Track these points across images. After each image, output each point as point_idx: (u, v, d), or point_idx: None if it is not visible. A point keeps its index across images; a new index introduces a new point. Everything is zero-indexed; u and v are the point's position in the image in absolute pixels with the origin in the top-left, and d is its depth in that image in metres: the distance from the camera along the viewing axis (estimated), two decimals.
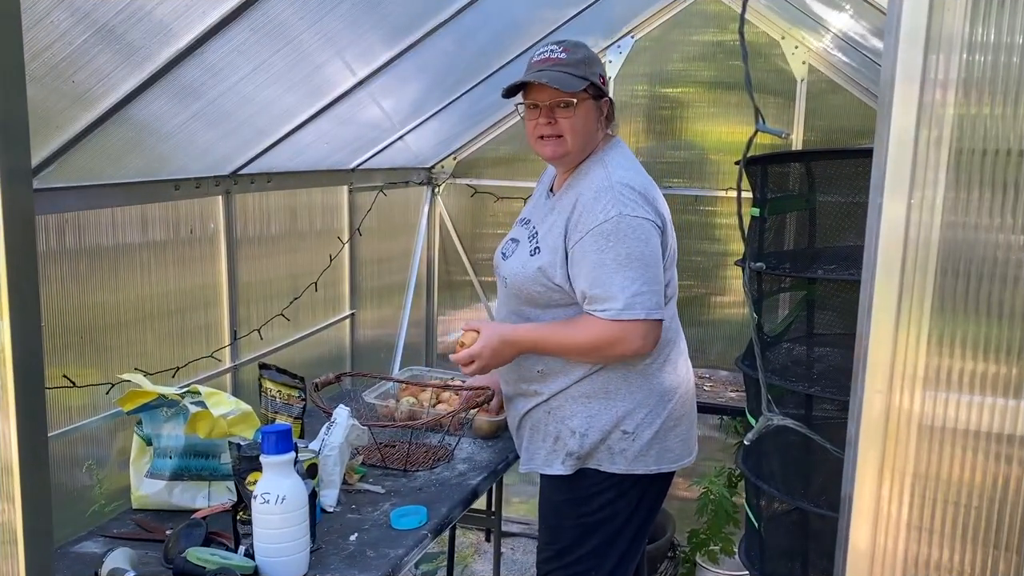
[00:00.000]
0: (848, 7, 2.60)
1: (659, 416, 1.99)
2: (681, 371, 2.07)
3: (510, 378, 2.10)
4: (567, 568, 2.04)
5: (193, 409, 1.86)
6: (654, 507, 2.09)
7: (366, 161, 3.24)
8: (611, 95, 2.07)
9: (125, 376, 1.99)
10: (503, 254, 2.11)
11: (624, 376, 1.96)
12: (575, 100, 1.91)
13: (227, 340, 2.60)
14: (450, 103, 3.12)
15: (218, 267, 2.56)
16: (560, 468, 1.99)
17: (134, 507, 1.92)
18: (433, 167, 3.94)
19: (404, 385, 2.62)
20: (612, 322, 1.86)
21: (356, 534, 1.80)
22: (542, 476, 2.09)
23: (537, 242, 2.00)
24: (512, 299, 2.06)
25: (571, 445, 1.97)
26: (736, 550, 2.98)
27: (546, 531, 2.09)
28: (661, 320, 1.90)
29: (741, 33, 1.28)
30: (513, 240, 2.11)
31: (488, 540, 3.79)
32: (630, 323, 1.85)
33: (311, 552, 1.65)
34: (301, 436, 2.22)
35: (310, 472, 1.74)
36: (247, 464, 1.63)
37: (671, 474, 2.08)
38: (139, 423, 1.93)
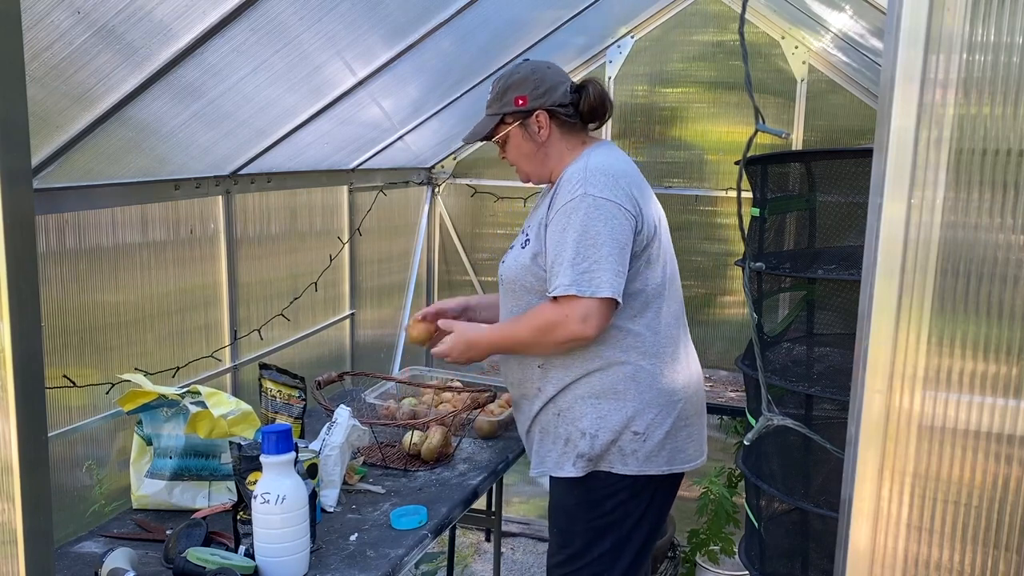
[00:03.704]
0: (848, 7, 2.60)
1: (669, 416, 1.98)
2: (691, 369, 2.07)
3: (514, 380, 2.09)
4: (579, 572, 2.03)
5: (193, 409, 1.86)
6: (665, 507, 2.08)
7: (366, 161, 3.24)
8: (610, 95, 2.06)
9: (125, 376, 1.99)
10: (503, 261, 2.13)
11: (632, 376, 1.95)
12: (496, 139, 2.06)
13: (227, 340, 2.60)
14: (450, 103, 3.12)
15: (218, 267, 2.56)
16: (572, 470, 1.98)
17: (134, 507, 1.92)
18: (433, 167, 3.94)
19: (406, 386, 2.62)
20: (553, 302, 1.87)
21: (356, 534, 1.80)
22: (552, 480, 2.07)
23: (527, 235, 2.03)
24: (509, 295, 2.06)
25: (582, 447, 1.96)
26: (736, 550, 2.98)
27: (557, 535, 2.07)
28: (611, 301, 1.85)
29: (741, 33, 1.28)
30: (512, 247, 2.13)
31: (488, 540, 3.79)
32: (569, 301, 1.83)
33: (311, 552, 1.65)
34: (301, 436, 2.22)
35: (310, 472, 1.74)
36: (247, 464, 1.63)
37: (682, 474, 2.07)
38: (139, 423, 1.93)
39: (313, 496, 1.68)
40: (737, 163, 1.40)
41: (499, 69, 3.01)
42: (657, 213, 2.02)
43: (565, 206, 1.88)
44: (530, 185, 2.17)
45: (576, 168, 1.94)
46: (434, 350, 2.09)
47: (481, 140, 2.10)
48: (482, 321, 2.41)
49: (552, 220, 1.92)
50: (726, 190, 3.54)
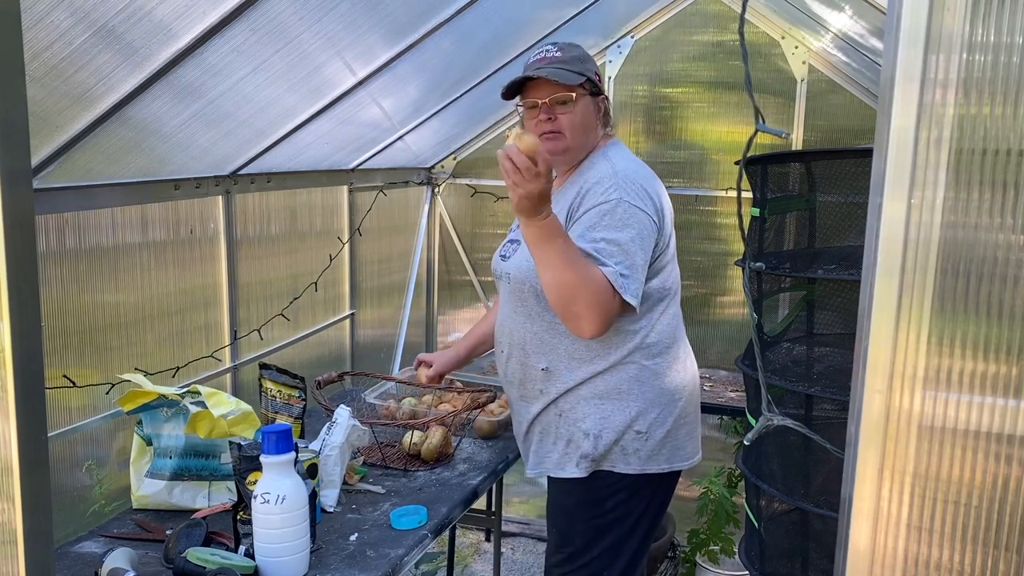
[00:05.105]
0: (848, 7, 2.60)
1: (671, 415, 1.99)
2: (690, 368, 2.08)
3: (514, 380, 2.07)
4: (579, 571, 2.03)
5: (193, 409, 1.86)
6: (664, 505, 2.09)
7: (366, 161, 3.24)
8: (610, 95, 2.07)
9: (125, 376, 1.99)
10: (502, 256, 2.10)
11: (636, 376, 1.95)
12: (574, 95, 1.94)
13: (227, 340, 2.60)
14: (450, 103, 3.12)
15: (218, 267, 2.56)
16: (574, 471, 1.98)
17: (134, 507, 1.92)
18: (433, 167, 3.94)
19: (406, 386, 2.62)
20: (611, 287, 1.79)
21: (356, 534, 1.80)
22: (550, 480, 2.07)
23: None
24: (515, 296, 2.02)
25: (585, 447, 1.96)
26: (736, 550, 2.99)
27: (557, 535, 2.07)
28: (628, 308, 1.84)
29: (741, 33, 1.28)
30: (513, 242, 2.10)
31: (488, 540, 3.79)
32: (615, 293, 1.80)
33: (311, 552, 1.65)
34: (301, 436, 2.22)
35: (310, 472, 1.74)
36: (247, 464, 1.63)
37: (680, 472, 2.08)
38: (139, 423, 1.93)
39: (313, 496, 1.68)
40: (737, 163, 1.40)
41: (499, 69, 3.01)
42: (672, 218, 2.02)
43: (600, 206, 1.86)
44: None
45: (604, 172, 1.93)
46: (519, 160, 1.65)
47: (556, 90, 1.91)
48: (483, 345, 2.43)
49: (580, 219, 1.88)
50: (726, 190, 3.54)
